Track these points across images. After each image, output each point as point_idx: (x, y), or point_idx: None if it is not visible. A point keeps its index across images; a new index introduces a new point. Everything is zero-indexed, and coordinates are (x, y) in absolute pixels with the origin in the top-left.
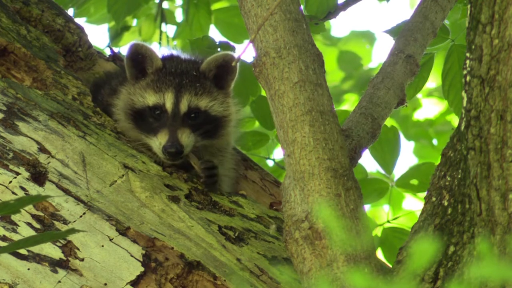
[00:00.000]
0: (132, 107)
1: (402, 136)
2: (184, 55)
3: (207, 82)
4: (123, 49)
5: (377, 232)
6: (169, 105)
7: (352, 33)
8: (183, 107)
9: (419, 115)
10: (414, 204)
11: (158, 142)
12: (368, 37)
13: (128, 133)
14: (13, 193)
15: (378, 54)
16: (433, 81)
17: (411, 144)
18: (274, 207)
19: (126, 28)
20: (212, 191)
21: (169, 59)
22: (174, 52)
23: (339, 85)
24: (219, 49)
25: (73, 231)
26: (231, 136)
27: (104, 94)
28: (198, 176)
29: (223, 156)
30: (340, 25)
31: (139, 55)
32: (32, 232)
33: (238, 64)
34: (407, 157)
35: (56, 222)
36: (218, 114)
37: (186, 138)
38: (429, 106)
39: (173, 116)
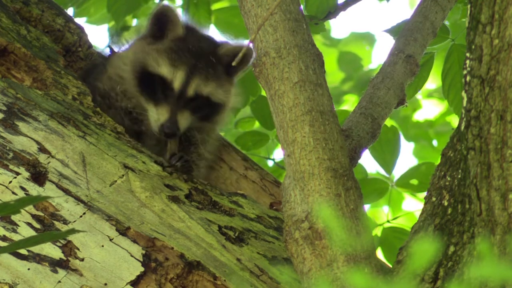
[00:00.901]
0: (143, 66)
1: (402, 137)
2: (203, 31)
3: (219, 68)
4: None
5: (377, 232)
6: (177, 85)
7: (352, 34)
8: (190, 91)
9: (419, 116)
10: (413, 205)
11: (156, 116)
12: (368, 38)
13: (128, 86)
14: (13, 193)
15: (378, 55)
16: (433, 82)
17: (411, 145)
18: (274, 207)
19: (126, 28)
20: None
21: (190, 31)
22: (196, 27)
23: (339, 86)
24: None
25: (73, 231)
26: (222, 122)
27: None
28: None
29: (208, 136)
30: (340, 27)
31: (165, 17)
32: (32, 232)
33: (253, 57)
34: (407, 158)
35: (56, 222)
36: (219, 101)
37: (184, 120)
38: (429, 107)
39: (178, 97)
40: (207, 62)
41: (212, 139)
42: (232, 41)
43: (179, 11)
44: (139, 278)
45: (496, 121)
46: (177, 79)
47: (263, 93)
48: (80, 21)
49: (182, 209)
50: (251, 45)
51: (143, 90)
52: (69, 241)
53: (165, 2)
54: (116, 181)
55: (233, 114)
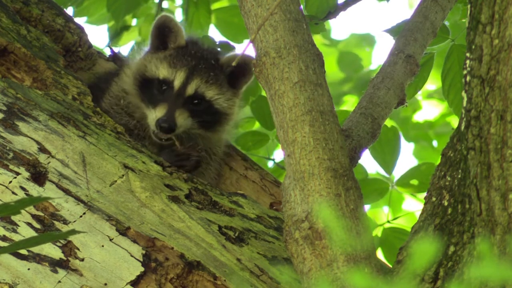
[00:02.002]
0: (142, 73)
1: (402, 138)
2: (207, 45)
3: (221, 76)
4: (123, 49)
5: (377, 232)
6: (177, 83)
7: (352, 35)
8: (190, 89)
9: (419, 117)
10: (413, 206)
11: (154, 114)
12: (368, 39)
13: (130, 98)
14: (13, 193)
15: (378, 56)
16: (433, 83)
17: (411, 146)
18: (274, 207)
19: (126, 28)
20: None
21: (192, 42)
22: (199, 40)
23: (339, 87)
24: (219, 49)
25: (73, 232)
26: (224, 134)
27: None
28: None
29: (209, 158)
30: (340, 28)
31: (166, 28)
32: (32, 232)
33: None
34: (407, 159)
35: (56, 222)
36: (221, 109)
37: (182, 119)
38: (429, 108)
39: (177, 95)
40: (208, 66)
41: (212, 163)
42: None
43: (179, 21)
44: (139, 278)
45: (496, 121)
46: (177, 78)
47: (263, 93)
48: (80, 21)
49: (182, 209)
50: (251, 45)
51: (144, 97)
52: (69, 241)
53: (164, 13)
54: (116, 181)
55: (236, 127)
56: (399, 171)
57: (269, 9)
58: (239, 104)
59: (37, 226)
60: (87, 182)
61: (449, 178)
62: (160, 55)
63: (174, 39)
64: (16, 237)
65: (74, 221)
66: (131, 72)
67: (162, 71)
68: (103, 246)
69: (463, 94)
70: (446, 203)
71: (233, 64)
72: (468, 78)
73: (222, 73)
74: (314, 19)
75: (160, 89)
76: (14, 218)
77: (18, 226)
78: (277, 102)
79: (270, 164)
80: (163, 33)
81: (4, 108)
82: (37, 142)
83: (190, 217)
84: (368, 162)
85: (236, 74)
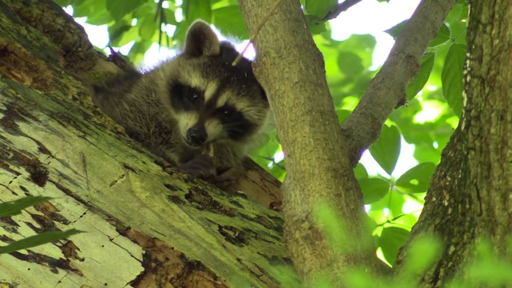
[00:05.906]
0: (175, 79)
1: (402, 139)
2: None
3: (254, 87)
4: (123, 49)
5: (377, 232)
6: (208, 94)
7: (352, 36)
8: (220, 101)
9: (419, 118)
10: (413, 208)
11: (185, 121)
12: (368, 40)
13: (162, 100)
14: (14, 193)
15: (378, 57)
16: (433, 83)
17: (412, 147)
18: (274, 207)
19: (126, 28)
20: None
21: (227, 50)
22: (235, 45)
23: (339, 87)
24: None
25: (73, 231)
26: (250, 143)
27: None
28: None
29: (230, 163)
30: (340, 28)
31: (201, 34)
32: (32, 232)
33: None
34: (408, 160)
35: (56, 222)
36: (251, 120)
37: (212, 128)
38: (429, 109)
39: (208, 106)
40: (241, 78)
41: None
42: None
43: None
44: (139, 278)
45: (496, 121)
46: (208, 90)
47: None
48: (80, 21)
49: (182, 209)
50: (251, 45)
51: (174, 101)
52: (69, 241)
53: (199, 19)
54: (116, 181)
55: (265, 138)
56: (399, 172)
57: (269, 9)
58: (270, 115)
59: (37, 226)
60: (87, 182)
61: (449, 178)
62: (194, 61)
63: (208, 45)
64: (16, 237)
65: (74, 221)
66: (165, 75)
67: (194, 80)
68: (103, 246)
69: (463, 94)
70: (446, 203)
71: (233, 64)
72: (468, 78)
73: (255, 83)
74: (314, 19)
75: (191, 97)
76: (14, 218)
77: (18, 226)
78: (277, 102)
79: (270, 164)
80: (198, 39)
81: (4, 108)
82: (37, 142)
83: (190, 217)
84: (368, 162)
85: None
